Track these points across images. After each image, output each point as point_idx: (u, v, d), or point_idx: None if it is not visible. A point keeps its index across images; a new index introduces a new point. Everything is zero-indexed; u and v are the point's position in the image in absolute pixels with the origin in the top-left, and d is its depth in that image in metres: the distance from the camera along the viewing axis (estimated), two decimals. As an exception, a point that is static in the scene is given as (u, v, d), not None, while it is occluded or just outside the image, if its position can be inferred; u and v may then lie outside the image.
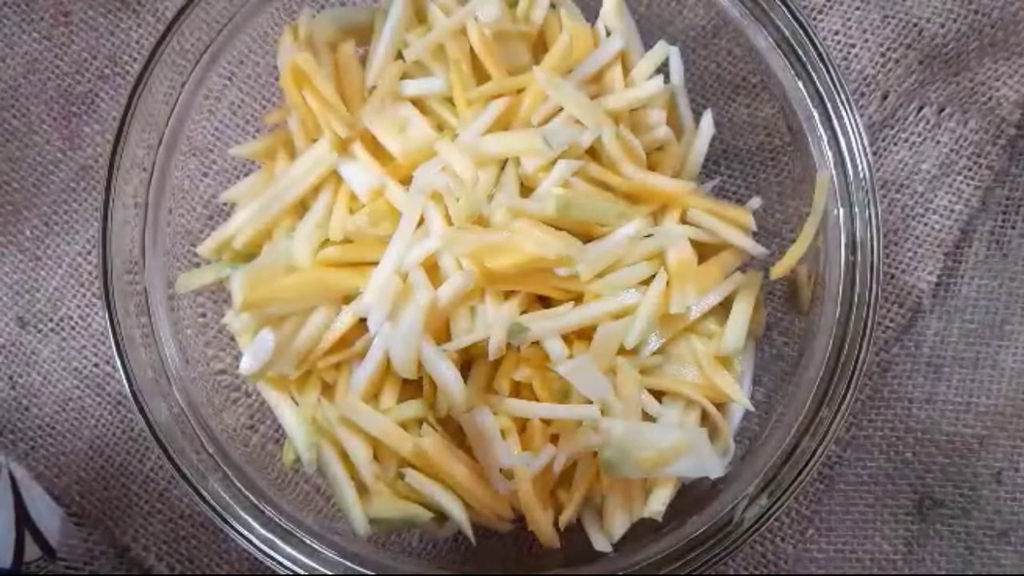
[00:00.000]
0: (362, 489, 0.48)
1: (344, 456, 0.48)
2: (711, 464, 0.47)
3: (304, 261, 0.47)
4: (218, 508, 0.45)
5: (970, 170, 0.54)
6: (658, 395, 0.48)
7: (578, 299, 0.47)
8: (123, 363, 0.45)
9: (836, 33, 0.53)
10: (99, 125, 0.54)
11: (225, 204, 0.51)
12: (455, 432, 0.48)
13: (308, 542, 0.45)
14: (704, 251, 0.48)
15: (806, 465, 0.44)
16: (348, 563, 0.45)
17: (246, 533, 0.45)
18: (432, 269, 0.46)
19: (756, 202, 0.50)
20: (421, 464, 0.47)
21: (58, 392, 0.53)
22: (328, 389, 0.49)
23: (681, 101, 0.51)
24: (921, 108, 0.54)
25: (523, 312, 0.46)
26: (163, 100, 0.47)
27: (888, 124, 0.54)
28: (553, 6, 0.50)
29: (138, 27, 0.55)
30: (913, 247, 0.54)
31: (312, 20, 0.49)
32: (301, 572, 0.44)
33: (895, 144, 0.54)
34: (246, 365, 0.48)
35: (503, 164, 0.47)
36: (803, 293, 0.49)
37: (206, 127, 0.51)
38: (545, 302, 0.47)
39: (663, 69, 0.50)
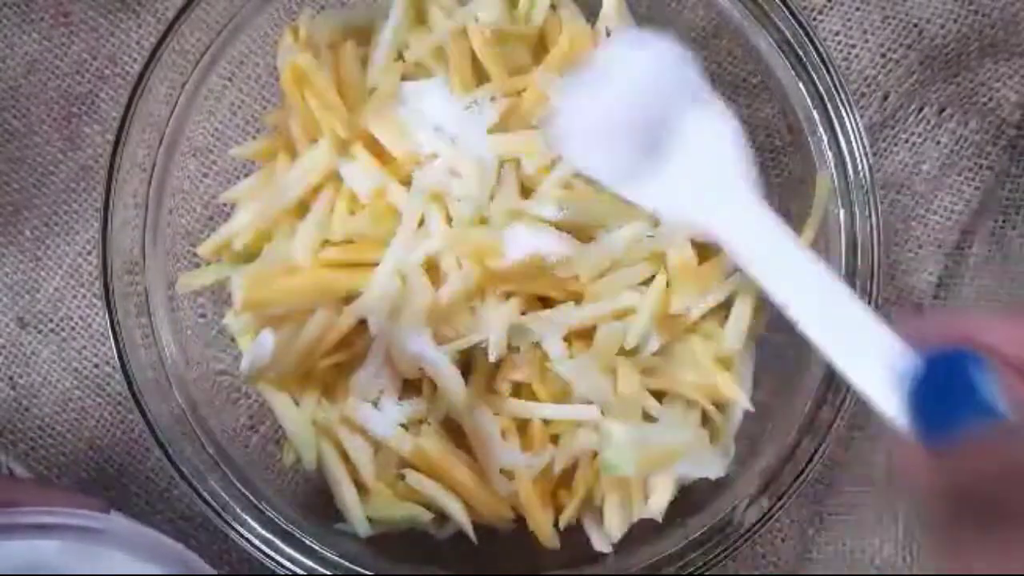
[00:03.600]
0: (362, 489, 0.48)
1: (344, 456, 0.48)
2: (711, 464, 0.47)
3: (304, 262, 0.47)
4: (218, 508, 0.45)
5: (970, 171, 0.54)
6: (658, 395, 0.48)
7: (578, 299, 0.47)
8: (123, 364, 0.45)
9: (836, 34, 0.53)
10: (99, 125, 0.54)
11: (225, 204, 0.51)
12: (455, 432, 0.48)
13: (308, 542, 0.45)
14: (704, 251, 0.48)
15: (806, 465, 0.44)
16: (348, 563, 0.45)
17: (246, 533, 0.45)
18: (432, 269, 0.46)
19: (756, 203, 0.50)
20: (421, 464, 0.47)
21: (58, 392, 0.53)
22: (329, 389, 0.49)
23: (681, 102, 0.51)
24: (921, 109, 0.54)
25: (523, 312, 0.46)
26: (163, 100, 0.47)
27: (888, 125, 0.54)
28: (553, 7, 0.50)
29: (138, 28, 0.55)
30: (913, 248, 0.54)
31: (312, 21, 0.49)
32: (301, 572, 0.44)
33: (895, 145, 0.54)
34: (246, 366, 0.48)
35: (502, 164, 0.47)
36: (803, 293, 0.49)
37: (206, 128, 0.51)
38: (545, 302, 0.47)
39: (663, 70, 0.50)
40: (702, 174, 0.32)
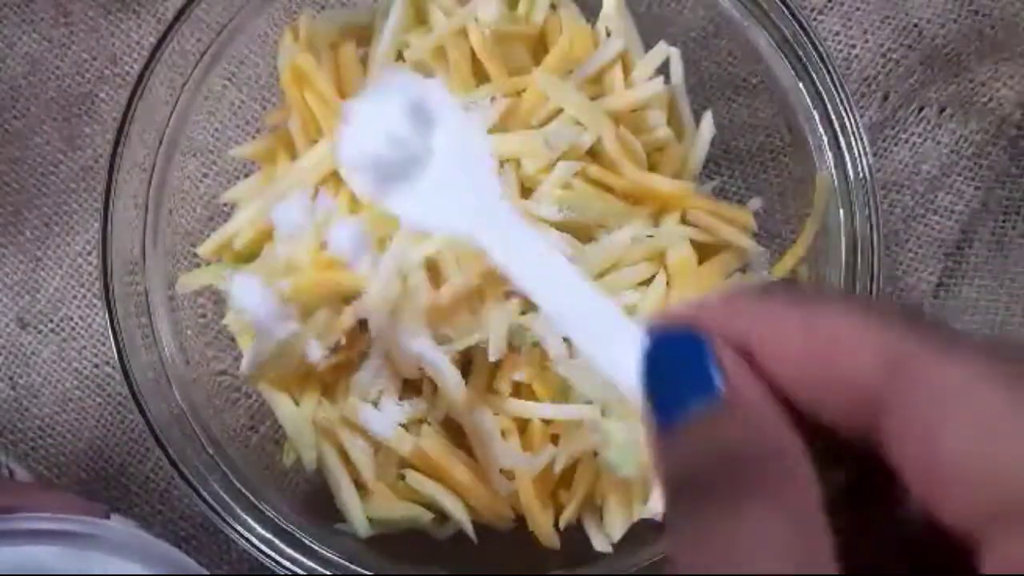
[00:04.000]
0: (362, 489, 0.48)
1: (344, 456, 0.48)
2: (711, 464, 0.47)
3: (304, 262, 0.47)
4: (218, 508, 0.45)
5: (971, 171, 0.54)
6: (658, 395, 0.48)
7: (578, 299, 0.47)
8: (123, 364, 0.45)
9: (836, 34, 0.53)
10: (99, 126, 0.54)
11: (225, 205, 0.51)
12: (455, 432, 0.48)
13: (308, 542, 0.45)
14: (704, 251, 0.48)
15: (806, 466, 0.44)
16: (348, 563, 0.45)
17: (246, 533, 0.45)
18: (432, 269, 0.46)
19: (756, 203, 0.50)
20: (421, 464, 0.47)
21: (58, 392, 0.53)
22: (329, 389, 0.49)
23: (681, 102, 0.51)
24: (921, 109, 0.54)
25: (523, 312, 0.46)
26: (163, 101, 0.47)
27: (888, 125, 0.54)
28: (553, 7, 0.50)
29: (138, 28, 0.55)
30: (914, 248, 0.54)
31: (313, 21, 0.49)
32: (301, 572, 0.44)
33: (895, 145, 0.54)
34: (246, 366, 0.48)
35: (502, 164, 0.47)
36: (803, 294, 0.49)
37: (206, 128, 0.51)
38: (545, 302, 0.47)
39: (663, 70, 0.50)
40: (461, 189, 0.37)
